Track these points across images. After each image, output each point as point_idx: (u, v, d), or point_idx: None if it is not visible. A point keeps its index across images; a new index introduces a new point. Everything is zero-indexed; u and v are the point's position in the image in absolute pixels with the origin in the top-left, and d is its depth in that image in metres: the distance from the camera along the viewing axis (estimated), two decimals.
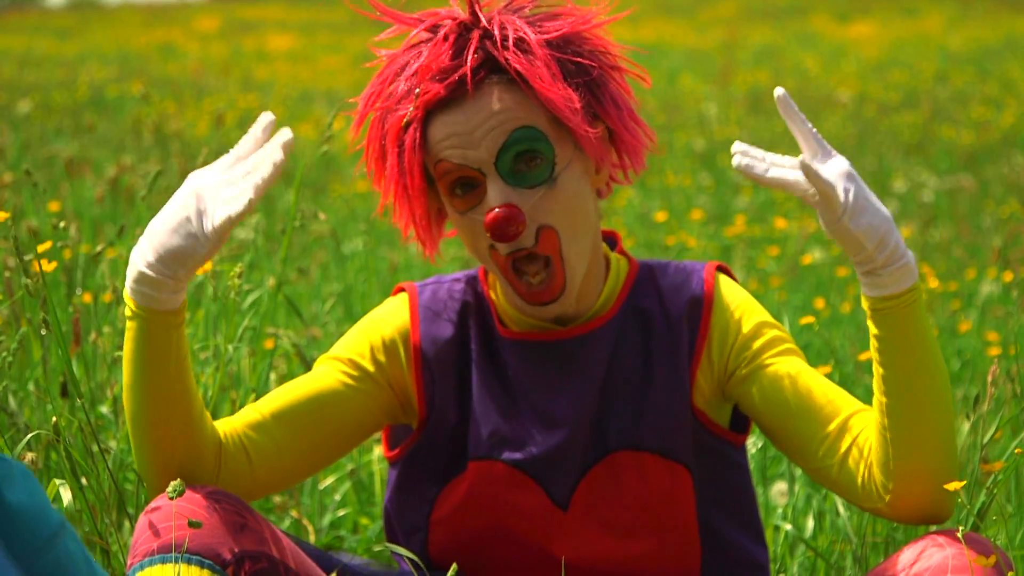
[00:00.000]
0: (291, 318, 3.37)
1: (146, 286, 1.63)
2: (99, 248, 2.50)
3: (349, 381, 1.78)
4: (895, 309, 1.63)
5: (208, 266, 2.41)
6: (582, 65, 1.72)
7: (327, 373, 1.79)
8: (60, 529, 1.03)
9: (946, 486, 1.64)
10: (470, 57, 1.68)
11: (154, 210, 3.79)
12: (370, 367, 1.79)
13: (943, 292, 4.48)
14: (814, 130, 1.63)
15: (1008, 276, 3.99)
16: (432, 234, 1.79)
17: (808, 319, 2.49)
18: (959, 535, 1.62)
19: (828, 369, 2.60)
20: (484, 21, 1.71)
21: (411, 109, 1.69)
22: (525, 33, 1.69)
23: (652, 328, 1.77)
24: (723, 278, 1.82)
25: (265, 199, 5.69)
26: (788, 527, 2.36)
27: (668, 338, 1.77)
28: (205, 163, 3.34)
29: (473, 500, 1.78)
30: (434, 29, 1.73)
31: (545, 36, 1.71)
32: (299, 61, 14.93)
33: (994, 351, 3.45)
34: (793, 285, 4.81)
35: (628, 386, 1.77)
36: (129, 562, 1.63)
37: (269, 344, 2.64)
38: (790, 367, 1.74)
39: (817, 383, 1.73)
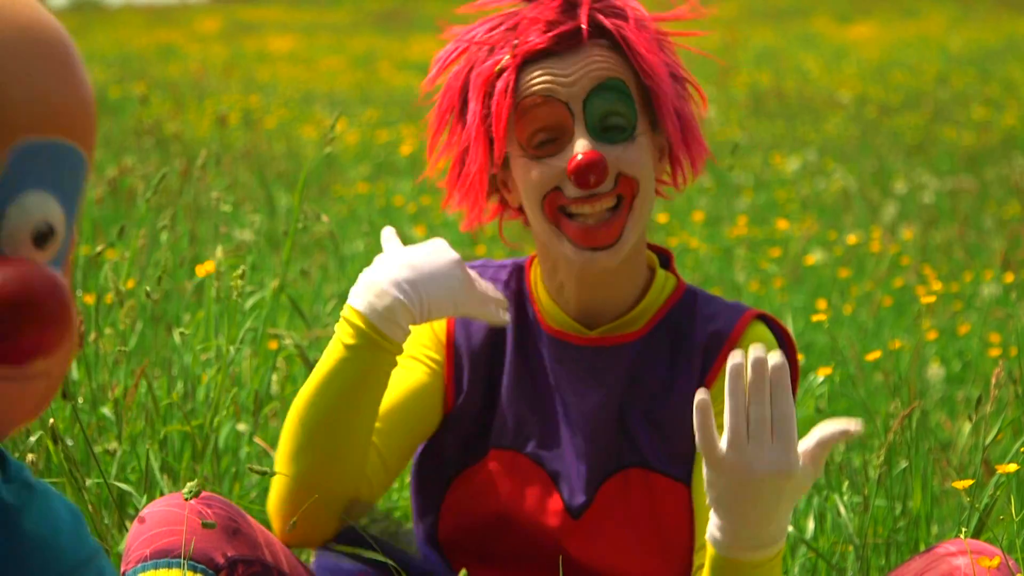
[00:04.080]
0: (293, 319, 3.37)
1: (396, 317, 1.68)
2: (99, 249, 2.50)
3: (427, 370, 1.80)
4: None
5: (211, 267, 2.41)
6: (669, 54, 1.76)
7: (412, 368, 1.79)
8: (83, 564, 1.02)
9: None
10: (583, 12, 1.69)
11: (156, 211, 3.79)
12: (435, 353, 1.81)
13: (944, 294, 4.48)
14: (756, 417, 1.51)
15: (1009, 277, 3.99)
16: (483, 197, 1.79)
17: (820, 317, 2.48)
18: (964, 540, 1.62)
19: (829, 370, 2.60)
20: None
21: (507, 57, 1.70)
22: (633, 8, 1.73)
23: (679, 353, 1.76)
24: (757, 329, 1.77)
25: (265, 200, 5.68)
26: (789, 528, 2.36)
27: (689, 366, 1.76)
28: (206, 164, 3.34)
29: (490, 487, 1.78)
30: None
31: (651, 17, 1.75)
32: (300, 62, 14.94)
33: (995, 352, 3.45)
34: (795, 286, 4.81)
35: (647, 405, 1.76)
36: (123, 568, 1.64)
37: (272, 345, 2.64)
38: None
39: None
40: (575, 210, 1.69)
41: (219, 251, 2.38)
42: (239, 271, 2.25)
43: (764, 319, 1.80)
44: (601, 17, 1.71)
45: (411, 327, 1.71)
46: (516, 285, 1.83)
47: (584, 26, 1.69)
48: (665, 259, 1.84)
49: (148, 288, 2.37)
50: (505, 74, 1.70)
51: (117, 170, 5.11)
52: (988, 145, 8.43)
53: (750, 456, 1.50)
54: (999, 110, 9.98)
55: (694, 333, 1.77)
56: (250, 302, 2.62)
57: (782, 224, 5.55)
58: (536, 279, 1.82)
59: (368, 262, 4.68)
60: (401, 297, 1.67)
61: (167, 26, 21.89)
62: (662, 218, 5.59)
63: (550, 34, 1.69)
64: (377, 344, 1.68)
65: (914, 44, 16.17)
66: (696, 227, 5.68)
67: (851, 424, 1.52)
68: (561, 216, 1.70)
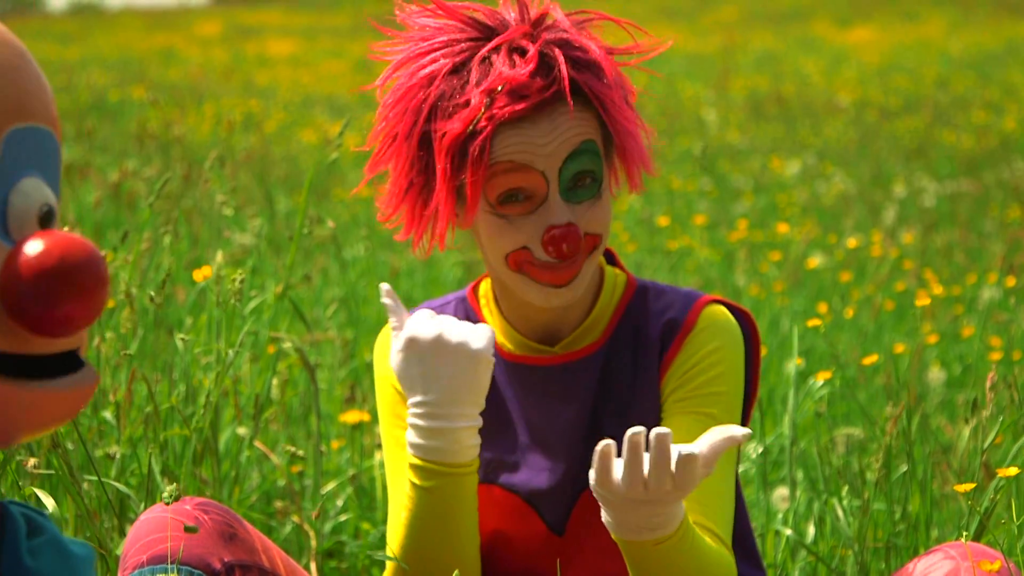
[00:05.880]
0: (294, 323, 3.37)
1: (459, 443, 1.67)
2: (102, 254, 2.49)
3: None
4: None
5: (208, 272, 2.41)
6: (624, 86, 1.74)
7: (396, 441, 1.79)
8: None
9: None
10: (565, 76, 1.65)
11: (158, 215, 3.79)
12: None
13: (945, 297, 4.48)
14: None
15: (1011, 281, 3.99)
16: (435, 240, 1.78)
17: (815, 322, 2.49)
18: (964, 543, 1.62)
19: (829, 374, 2.60)
20: (555, 30, 1.69)
21: (477, 120, 1.65)
22: (594, 52, 1.69)
23: (638, 352, 1.76)
24: (712, 311, 1.77)
25: (266, 204, 5.68)
26: (789, 532, 2.36)
27: (647, 361, 1.76)
28: (212, 167, 3.34)
29: None
30: (487, 32, 1.70)
31: (609, 53, 1.72)
32: (300, 66, 14.94)
33: (996, 356, 3.44)
34: (795, 290, 4.81)
35: (618, 408, 1.76)
36: (120, 574, 1.64)
37: (273, 349, 2.64)
38: (694, 435, 1.71)
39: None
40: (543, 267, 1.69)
41: (219, 256, 2.38)
42: (237, 275, 2.25)
43: (720, 303, 1.80)
44: (574, 74, 1.67)
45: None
46: (465, 319, 1.81)
47: (570, 102, 1.65)
48: (609, 257, 1.84)
49: (152, 292, 2.37)
50: (479, 139, 1.65)
51: (118, 174, 5.11)
52: (988, 148, 8.43)
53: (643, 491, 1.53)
54: (999, 114, 9.98)
55: (649, 328, 1.77)
56: (251, 306, 2.61)
57: (782, 228, 5.55)
58: (488, 306, 1.81)
59: (368, 265, 4.62)
60: (461, 425, 1.67)
61: (167, 29, 21.90)
62: (663, 221, 5.59)
63: (528, 104, 1.65)
64: (453, 475, 1.68)
65: (914, 48, 16.17)
66: (697, 231, 5.68)
67: (737, 431, 1.52)
68: (527, 265, 1.70)
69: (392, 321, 1.70)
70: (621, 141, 1.71)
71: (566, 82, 1.65)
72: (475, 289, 1.83)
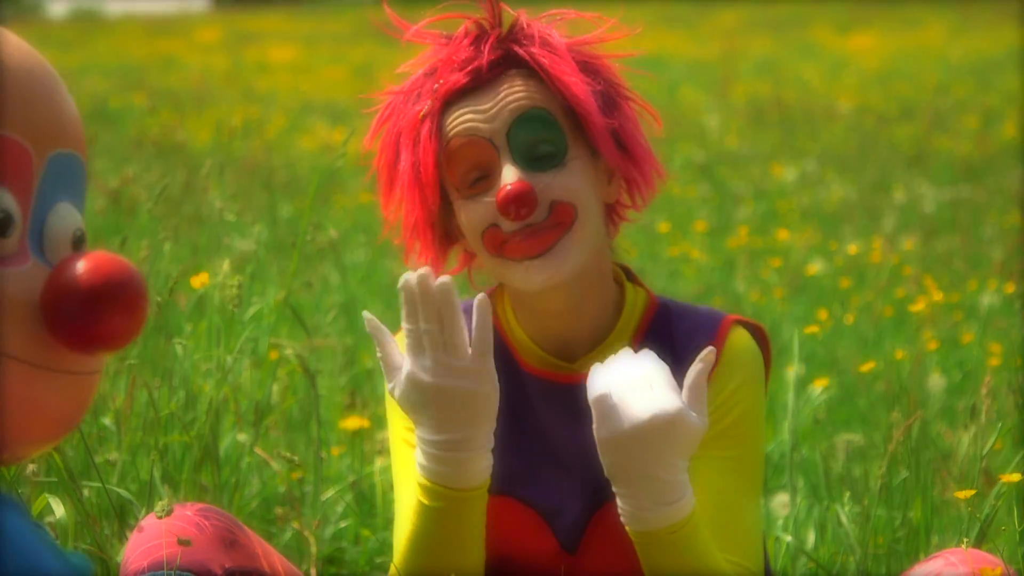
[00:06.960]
0: (294, 329, 3.37)
1: (466, 471, 1.65)
2: None
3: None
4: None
5: (205, 279, 2.41)
6: (598, 76, 1.73)
7: (406, 450, 1.78)
8: None
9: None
10: (487, 46, 1.69)
11: (158, 220, 3.80)
12: None
13: (945, 303, 4.48)
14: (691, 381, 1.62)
15: (1010, 287, 3.99)
16: (436, 247, 1.78)
17: (812, 328, 2.49)
18: (965, 549, 1.62)
19: (826, 382, 2.60)
20: (513, 18, 1.73)
21: (428, 103, 1.70)
22: (549, 34, 1.72)
23: None
24: (737, 337, 1.77)
25: (267, 209, 5.68)
26: (789, 539, 2.36)
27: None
28: (210, 174, 3.34)
29: (486, 533, 1.78)
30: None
31: (568, 41, 1.73)
32: (300, 72, 14.94)
33: (995, 362, 3.44)
34: (795, 296, 4.81)
35: None
36: None
37: (274, 355, 2.64)
38: (719, 477, 1.72)
39: (726, 510, 1.71)
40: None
41: (226, 265, 2.38)
42: (235, 281, 2.26)
43: (740, 323, 1.79)
44: (516, 47, 1.70)
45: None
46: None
47: (485, 60, 1.68)
48: (628, 273, 1.83)
49: (160, 298, 2.37)
50: (428, 119, 1.70)
51: (119, 180, 5.11)
52: (988, 154, 8.43)
53: (637, 398, 1.58)
54: (999, 120, 9.99)
55: (675, 350, 1.75)
56: (251, 312, 2.61)
57: (783, 234, 5.55)
58: (506, 314, 1.81)
59: (369, 272, 4.62)
60: (472, 455, 1.65)
61: (167, 36, 21.90)
62: (663, 228, 5.59)
63: (464, 71, 1.69)
64: (462, 497, 1.67)
65: (914, 54, 16.18)
66: (697, 237, 5.68)
67: (704, 353, 1.60)
68: (501, 246, 1.70)
69: (378, 352, 1.66)
70: (578, 109, 1.70)
71: (488, 49, 1.69)
72: (493, 295, 1.83)
